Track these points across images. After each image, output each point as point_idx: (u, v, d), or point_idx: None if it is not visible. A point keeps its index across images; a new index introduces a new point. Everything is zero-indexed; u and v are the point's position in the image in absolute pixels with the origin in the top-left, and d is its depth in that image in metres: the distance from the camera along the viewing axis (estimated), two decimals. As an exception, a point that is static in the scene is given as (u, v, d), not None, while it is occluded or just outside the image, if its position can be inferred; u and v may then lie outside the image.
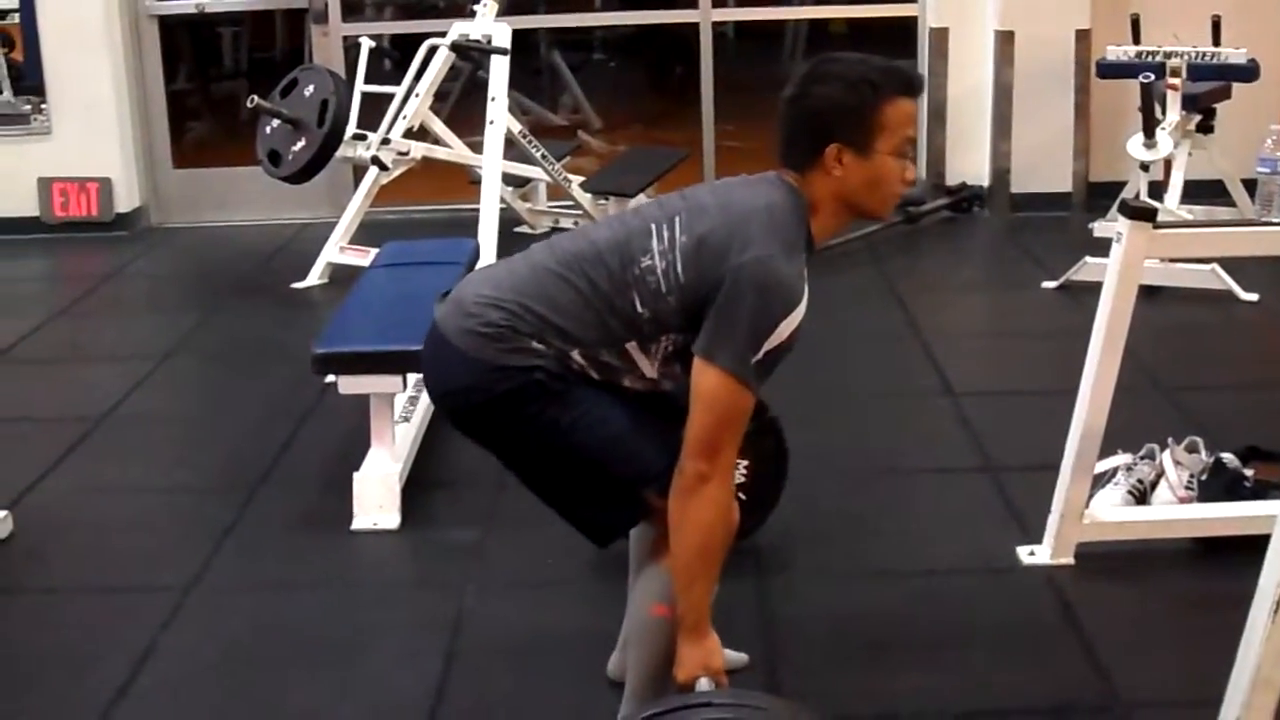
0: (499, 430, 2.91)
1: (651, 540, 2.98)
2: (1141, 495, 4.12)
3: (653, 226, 2.82)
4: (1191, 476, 4.10)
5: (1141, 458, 4.18)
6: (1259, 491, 3.99)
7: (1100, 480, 4.07)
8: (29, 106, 8.34)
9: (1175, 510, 4.05)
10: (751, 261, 2.71)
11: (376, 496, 4.32)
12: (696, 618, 2.80)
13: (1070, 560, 3.88)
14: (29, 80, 8.27)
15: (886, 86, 2.82)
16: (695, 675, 2.79)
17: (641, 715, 2.53)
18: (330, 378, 4.49)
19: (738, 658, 3.35)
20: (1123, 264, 3.63)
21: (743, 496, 3.85)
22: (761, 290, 2.71)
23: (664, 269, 2.77)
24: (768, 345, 2.71)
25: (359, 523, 4.30)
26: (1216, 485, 4.05)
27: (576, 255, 2.86)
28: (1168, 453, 4.16)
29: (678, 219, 2.82)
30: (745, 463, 3.84)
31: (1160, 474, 4.14)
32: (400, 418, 4.68)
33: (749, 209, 2.81)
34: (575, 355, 2.80)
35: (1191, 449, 4.19)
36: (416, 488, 4.47)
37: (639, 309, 2.78)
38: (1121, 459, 4.17)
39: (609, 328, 2.80)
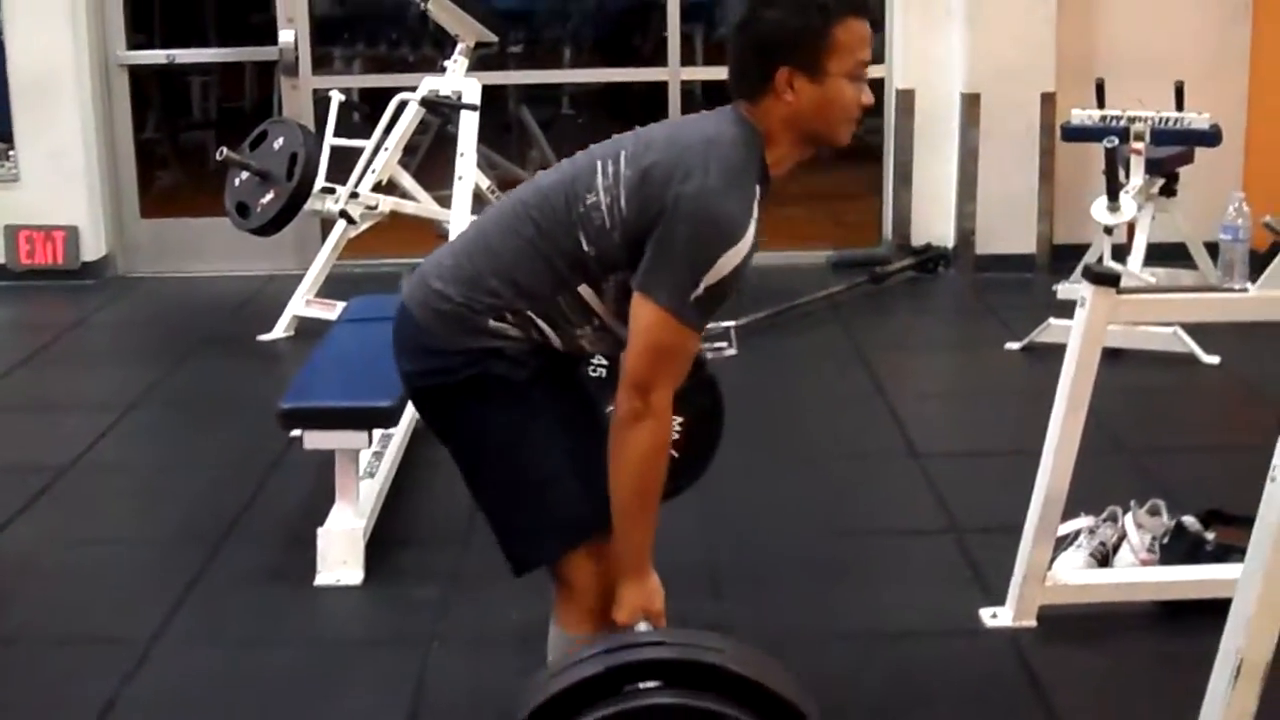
0: (454, 418, 2.87)
1: (555, 601, 2.97)
2: (1104, 558, 4.13)
3: (599, 164, 2.76)
4: (1154, 539, 4.12)
5: (1104, 520, 4.20)
6: (1220, 555, 4.00)
7: (1063, 542, 4.09)
8: (-5, 154, 8.35)
9: (1138, 573, 4.07)
10: (691, 192, 2.64)
11: (340, 552, 4.31)
12: (637, 559, 2.77)
13: (1033, 623, 3.89)
14: (-4, 127, 8.28)
15: (836, 7, 2.73)
16: (636, 617, 2.77)
17: (592, 651, 2.45)
18: (296, 432, 4.48)
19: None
20: (1086, 329, 3.66)
21: (675, 454, 3.80)
22: (699, 223, 2.63)
23: (608, 204, 2.71)
24: (707, 281, 2.63)
25: (322, 578, 4.29)
26: (1178, 548, 4.07)
27: (523, 202, 2.83)
28: (1130, 515, 4.18)
29: (623, 153, 2.76)
30: (680, 419, 3.78)
31: (1122, 537, 4.16)
32: (365, 473, 4.68)
33: (694, 140, 2.74)
34: (533, 317, 2.76)
35: (1153, 512, 4.21)
36: (380, 543, 4.45)
37: (585, 247, 2.72)
38: (1084, 521, 4.19)
39: (556, 270, 2.74)
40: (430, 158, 8.27)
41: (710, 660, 2.41)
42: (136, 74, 8.41)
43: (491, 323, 2.76)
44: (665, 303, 2.64)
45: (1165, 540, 4.10)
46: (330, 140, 6.90)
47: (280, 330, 6.92)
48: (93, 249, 8.08)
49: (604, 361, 3.16)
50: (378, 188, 6.92)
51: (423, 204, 7.14)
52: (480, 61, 7.24)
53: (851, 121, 2.83)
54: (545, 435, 2.82)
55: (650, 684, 2.41)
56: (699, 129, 2.79)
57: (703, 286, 2.63)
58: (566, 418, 2.87)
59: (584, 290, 2.77)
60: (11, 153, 8.07)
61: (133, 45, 8.30)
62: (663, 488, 2.78)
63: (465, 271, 2.81)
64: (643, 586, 2.79)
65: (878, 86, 8.09)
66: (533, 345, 2.79)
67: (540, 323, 2.78)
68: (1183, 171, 6.79)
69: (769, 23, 2.75)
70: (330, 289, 6.95)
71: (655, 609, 2.80)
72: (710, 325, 5.35)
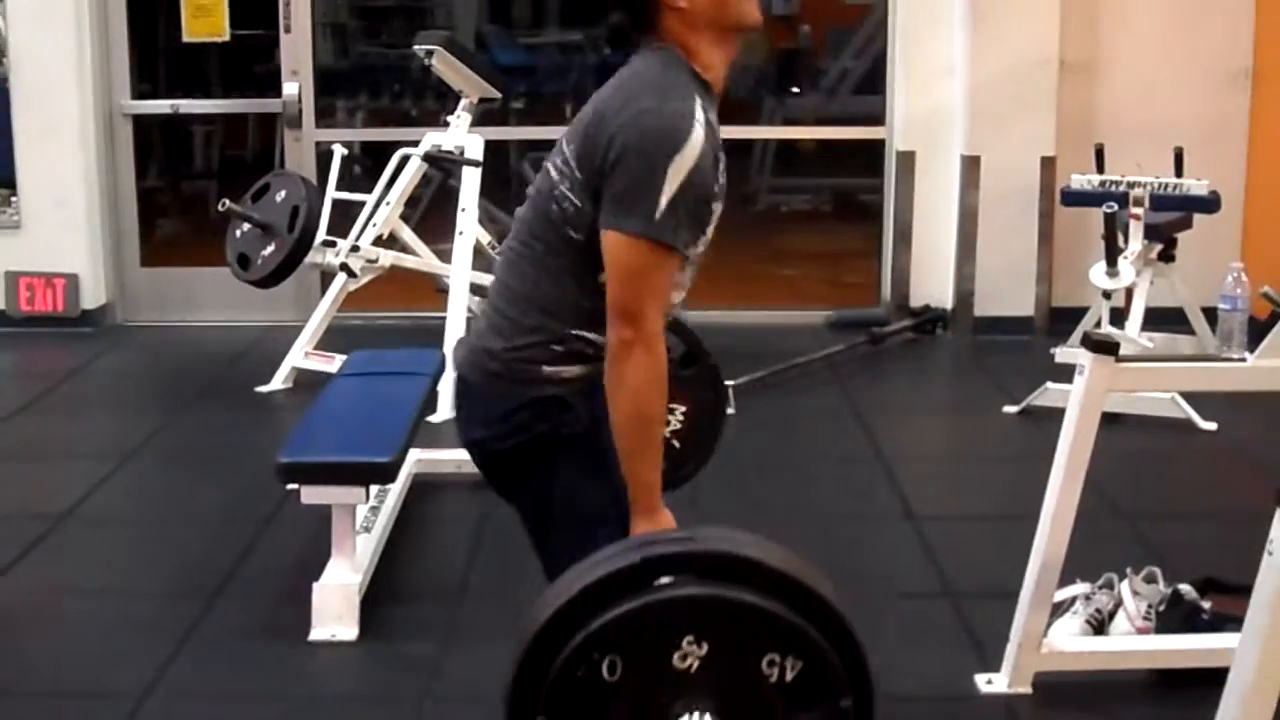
0: (524, 478, 2.85)
1: None
2: (1100, 625, 4.12)
3: (548, 164, 2.81)
4: (1149, 607, 4.11)
5: (1100, 587, 4.20)
6: (1216, 624, 4.00)
7: (1059, 609, 4.08)
8: (-2, 199, 8.37)
9: (1133, 641, 4.06)
10: (625, 120, 2.66)
11: (335, 607, 4.30)
12: (646, 495, 2.74)
13: (1028, 689, 3.88)
14: (-1, 172, 8.30)
15: None
16: None
17: (622, 547, 2.45)
18: (293, 486, 4.48)
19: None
20: (1085, 396, 3.66)
21: (677, 444, 3.79)
22: (640, 140, 2.63)
23: (569, 186, 2.73)
24: (667, 194, 2.61)
25: (317, 633, 4.28)
26: (1174, 616, 4.06)
27: (515, 237, 2.87)
28: (1126, 582, 4.18)
29: (563, 141, 2.80)
30: (682, 409, 3.78)
31: (1118, 604, 4.15)
32: (361, 528, 4.67)
33: (615, 86, 2.76)
34: (580, 333, 2.77)
35: (1150, 579, 4.20)
36: (376, 599, 4.45)
37: (576, 236, 2.74)
38: (1080, 588, 4.18)
39: (572, 273, 2.76)
40: (432, 212, 8.29)
41: (743, 554, 2.41)
42: (140, 123, 8.44)
43: (545, 369, 2.77)
44: (630, 227, 2.64)
45: (1161, 608, 4.10)
46: (332, 193, 6.92)
47: (279, 382, 6.92)
48: (93, 297, 8.09)
49: None
50: (379, 241, 6.94)
51: (423, 258, 7.15)
52: (483, 116, 7.27)
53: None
54: (615, 490, 2.80)
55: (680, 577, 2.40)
56: (617, 79, 2.81)
57: (663, 200, 2.62)
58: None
59: (603, 278, 2.74)
60: (14, 199, 8.09)
61: (137, 95, 8.33)
62: (664, 419, 2.75)
63: (502, 322, 2.82)
64: (655, 523, 2.76)
65: (878, 148, 8.14)
66: (589, 381, 2.78)
67: (589, 335, 2.78)
68: (1181, 237, 6.80)
69: None
70: (329, 341, 6.96)
71: None
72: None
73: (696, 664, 2.35)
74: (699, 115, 2.67)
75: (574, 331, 2.78)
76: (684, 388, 3.70)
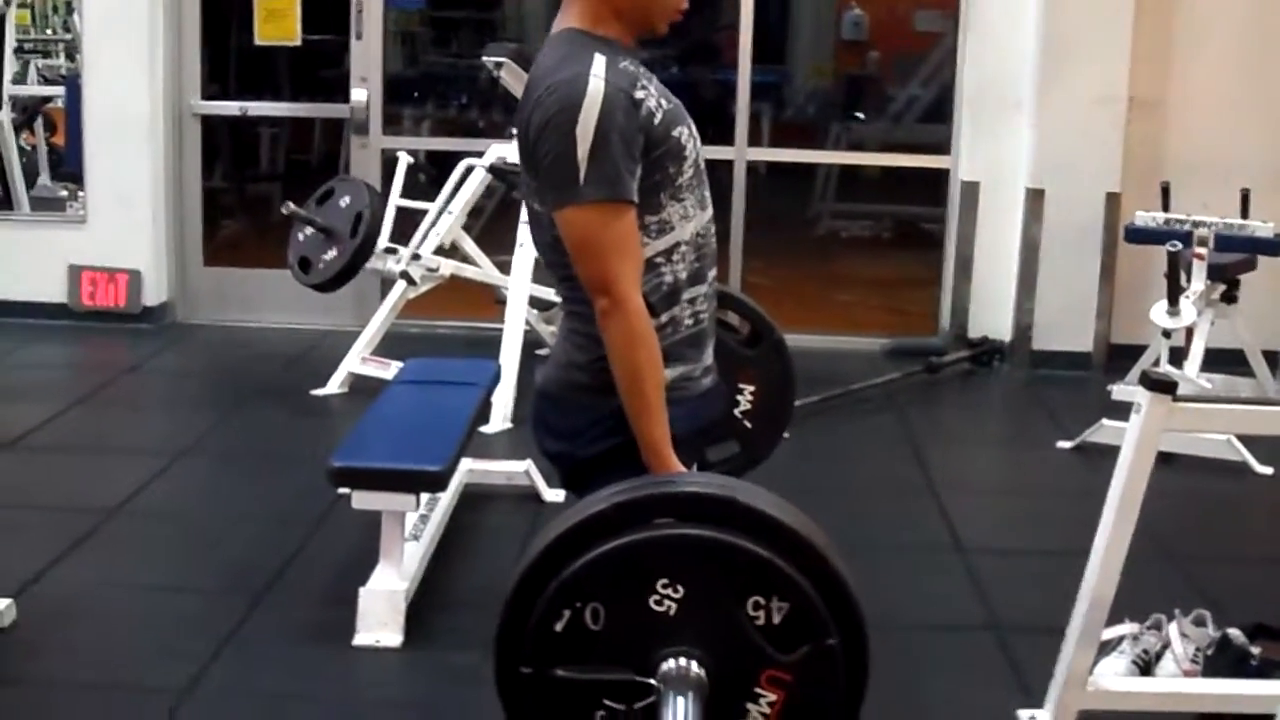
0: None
1: None
2: (1146, 666, 4.09)
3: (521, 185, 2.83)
4: (1197, 650, 4.08)
5: (1148, 628, 4.17)
6: (1265, 670, 3.96)
7: (1106, 647, 4.05)
8: (65, 193, 8.46)
9: (1180, 684, 4.02)
10: (530, 110, 2.69)
11: (381, 613, 4.32)
12: (656, 451, 2.71)
13: (1071, 728, 3.85)
14: (67, 167, 8.38)
15: None
16: None
17: (620, 488, 2.44)
18: (344, 490, 4.50)
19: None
20: (1141, 435, 3.63)
21: (748, 424, 3.78)
22: (544, 120, 2.64)
23: (536, 199, 2.77)
24: (584, 152, 2.60)
25: (361, 639, 4.30)
26: (1222, 661, 4.03)
27: (548, 262, 2.89)
28: (1174, 624, 4.14)
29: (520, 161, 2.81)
30: (751, 389, 3.76)
31: (1166, 645, 4.12)
32: (410, 535, 4.68)
33: (526, 86, 2.78)
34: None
35: (1199, 622, 4.16)
36: (422, 607, 4.46)
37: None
38: (1128, 628, 4.15)
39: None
40: (494, 223, 8.32)
41: (718, 494, 2.40)
42: (209, 123, 8.50)
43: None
44: (565, 200, 2.65)
45: (1209, 652, 4.06)
46: (396, 201, 6.96)
47: (334, 386, 6.95)
48: (154, 294, 8.15)
49: None
50: (440, 250, 6.97)
51: (483, 269, 7.18)
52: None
53: (668, 14, 2.85)
54: None
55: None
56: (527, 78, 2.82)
57: (582, 163, 2.61)
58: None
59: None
60: (81, 194, 8.17)
61: (207, 95, 8.39)
62: (657, 377, 2.71)
63: (579, 338, 2.83)
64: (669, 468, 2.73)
65: (942, 177, 8.12)
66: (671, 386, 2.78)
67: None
68: (1245, 279, 6.75)
69: None
70: (386, 348, 6.99)
71: None
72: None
73: (675, 607, 2.34)
74: (595, 69, 2.66)
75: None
76: (752, 367, 3.68)
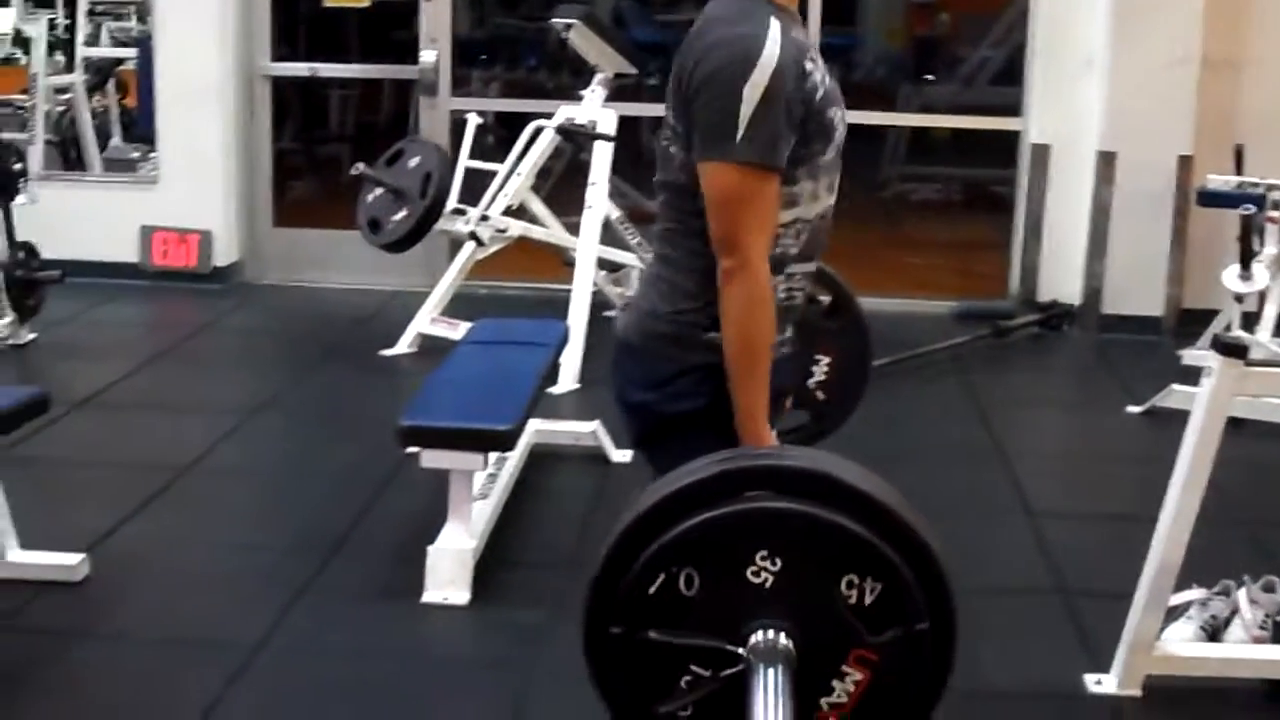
0: (684, 447, 2.69)
1: None
2: (1214, 632, 4.07)
3: (660, 139, 2.82)
4: (1267, 617, 4.05)
5: (1216, 593, 4.14)
6: (1333, 637, 3.95)
7: (1173, 613, 4.04)
8: (137, 154, 8.53)
9: (1248, 650, 4.01)
10: (699, 56, 2.67)
11: (449, 571, 4.35)
12: (752, 421, 2.71)
13: (1138, 692, 3.84)
14: (140, 128, 8.44)
15: None
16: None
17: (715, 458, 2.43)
18: (412, 449, 4.53)
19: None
20: (1211, 399, 3.62)
21: (821, 395, 3.78)
22: (714, 69, 2.62)
23: (677, 145, 2.73)
24: (746, 112, 2.58)
25: (429, 596, 4.33)
26: (1291, 628, 4.02)
27: (659, 212, 2.87)
28: (1243, 590, 4.12)
29: (666, 106, 2.79)
30: (827, 359, 3.75)
31: (1235, 611, 4.09)
32: (478, 494, 4.71)
33: (693, 32, 2.75)
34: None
35: (1268, 589, 4.14)
36: (489, 566, 4.49)
37: (699, 191, 2.71)
38: (1196, 593, 4.14)
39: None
40: (562, 185, 8.33)
41: (824, 470, 2.39)
42: (278, 84, 8.54)
43: (708, 335, 2.74)
44: (717, 155, 2.62)
45: (1279, 618, 4.04)
46: (465, 162, 6.98)
47: (403, 346, 6.98)
48: (225, 254, 8.21)
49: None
50: (508, 212, 6.99)
51: (552, 230, 7.19)
52: (617, 92, 7.29)
53: None
54: None
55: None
56: (694, 25, 2.78)
57: (743, 122, 2.60)
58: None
59: None
60: (152, 154, 8.23)
61: (277, 57, 8.42)
62: (769, 348, 2.70)
63: (664, 287, 2.81)
64: (761, 444, 2.72)
65: (1013, 139, 8.07)
66: None
67: None
68: (1318, 243, 6.69)
69: None
70: (455, 308, 7.02)
71: None
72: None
73: (770, 580, 2.32)
74: (772, 34, 2.64)
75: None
76: (830, 338, 3.67)
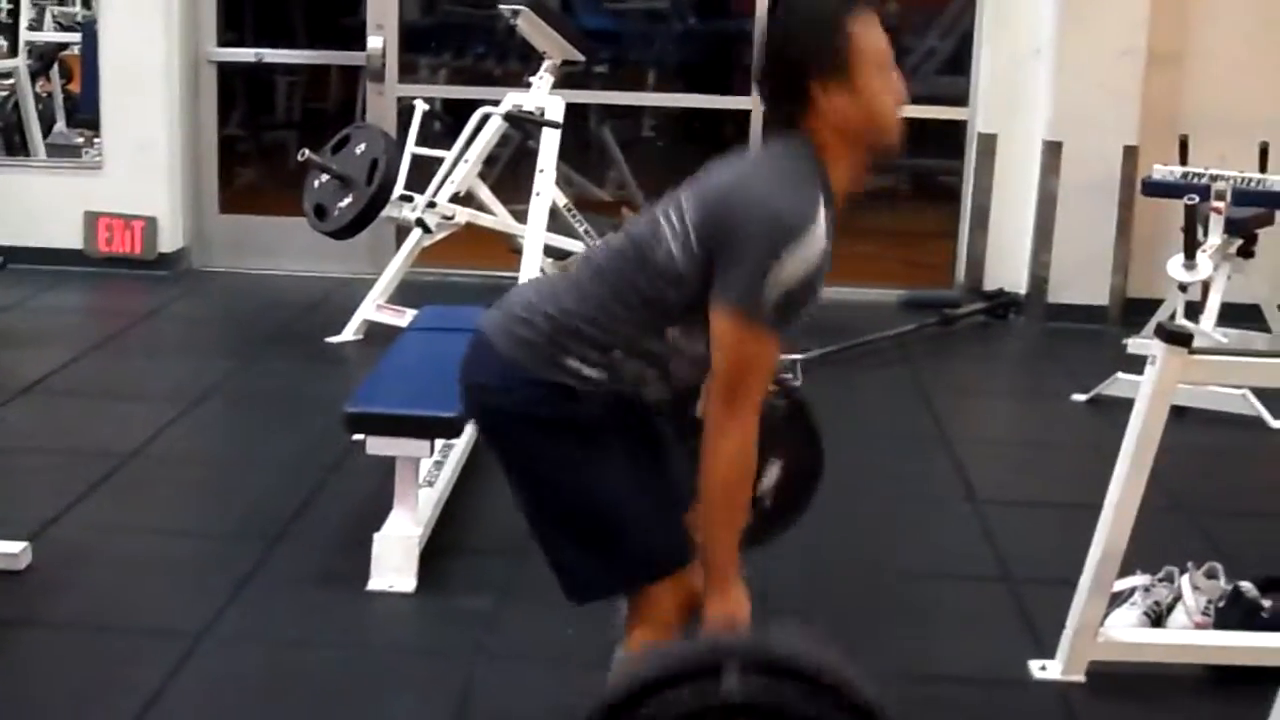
0: (523, 448, 2.86)
1: (627, 628, 2.98)
2: (1158, 618, 4.10)
3: (660, 215, 2.78)
4: (1209, 603, 4.08)
5: (1160, 579, 4.17)
6: (1276, 623, 3.98)
7: (1117, 599, 4.06)
8: (81, 139, 8.47)
9: (1191, 635, 4.04)
10: (752, 197, 2.67)
11: (395, 559, 4.33)
12: (722, 570, 2.75)
13: (1082, 678, 3.86)
14: (84, 113, 8.38)
15: (843, 6, 2.76)
16: (728, 625, 2.75)
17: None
18: (358, 436, 4.52)
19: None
20: (1155, 387, 3.64)
21: (767, 503, 3.78)
22: (762, 220, 2.64)
23: (680, 249, 2.72)
24: (777, 280, 2.62)
25: (375, 583, 4.31)
26: (1233, 614, 4.04)
27: (612, 249, 2.86)
28: (1186, 577, 4.15)
29: (684, 198, 2.77)
30: (779, 463, 3.77)
31: (1178, 598, 4.12)
32: (424, 481, 4.70)
33: (749, 163, 2.80)
34: (617, 355, 2.77)
35: (1211, 575, 4.17)
36: (435, 553, 4.47)
37: (668, 291, 2.73)
38: (1139, 579, 4.16)
39: (645, 320, 2.76)
40: (509, 172, 8.31)
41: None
42: (224, 70, 8.49)
43: (570, 362, 2.76)
44: (738, 301, 2.64)
45: (1221, 604, 4.07)
46: (411, 149, 6.95)
47: (349, 333, 6.96)
48: (170, 241, 8.16)
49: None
50: (455, 199, 6.97)
51: (499, 217, 7.17)
52: (565, 79, 7.27)
53: (896, 115, 2.81)
54: (617, 473, 2.83)
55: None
56: (754, 158, 2.84)
57: (773, 286, 2.63)
58: (634, 454, 2.87)
59: (673, 332, 2.78)
60: (97, 140, 8.17)
61: (223, 42, 8.37)
62: (746, 500, 2.77)
63: (552, 309, 2.81)
64: (729, 598, 2.77)
65: (960, 129, 8.09)
66: (604, 391, 2.80)
67: (631, 361, 2.79)
68: (1262, 233, 6.74)
69: (788, 42, 2.78)
70: (401, 296, 7.00)
71: (741, 619, 2.78)
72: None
73: None
74: (820, 216, 2.69)
75: (618, 353, 2.78)
76: (783, 445, 3.73)
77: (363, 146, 6.82)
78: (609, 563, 2.88)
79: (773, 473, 3.72)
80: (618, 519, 2.85)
